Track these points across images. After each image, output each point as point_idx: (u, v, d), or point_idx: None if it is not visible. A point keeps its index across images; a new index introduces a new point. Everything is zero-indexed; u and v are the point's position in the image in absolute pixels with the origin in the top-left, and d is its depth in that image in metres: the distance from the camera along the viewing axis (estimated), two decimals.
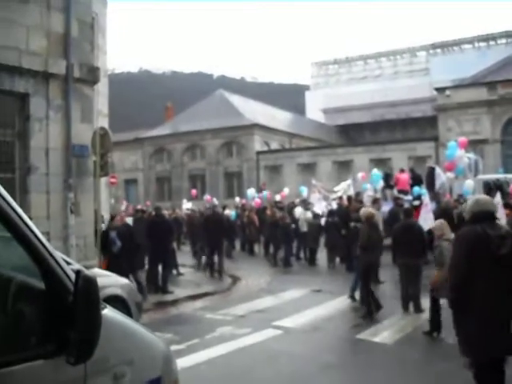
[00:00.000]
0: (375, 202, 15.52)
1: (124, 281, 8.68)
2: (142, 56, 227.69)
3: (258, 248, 23.05)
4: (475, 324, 4.52)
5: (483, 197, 5.18)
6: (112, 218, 11.38)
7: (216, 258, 16.75)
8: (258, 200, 26.92)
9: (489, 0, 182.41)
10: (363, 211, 11.94)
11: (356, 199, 19.02)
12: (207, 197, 33.07)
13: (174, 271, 16.51)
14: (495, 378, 4.59)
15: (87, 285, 2.28)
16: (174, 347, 7.65)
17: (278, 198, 27.49)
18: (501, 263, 4.46)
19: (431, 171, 20.94)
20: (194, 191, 36.91)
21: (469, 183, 18.92)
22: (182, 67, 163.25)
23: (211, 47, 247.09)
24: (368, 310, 10.50)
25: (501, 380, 4.61)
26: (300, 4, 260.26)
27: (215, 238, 16.65)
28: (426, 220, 13.48)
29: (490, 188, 19.29)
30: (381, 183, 23.07)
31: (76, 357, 2.30)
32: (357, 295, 11.66)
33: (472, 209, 4.82)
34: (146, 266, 13.75)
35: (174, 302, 12.53)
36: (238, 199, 31.48)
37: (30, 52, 10.67)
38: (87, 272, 2.32)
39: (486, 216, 4.69)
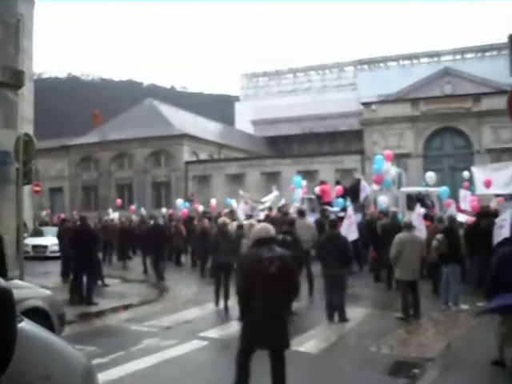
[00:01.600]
0: (301, 213, 15.66)
1: (46, 292, 8.42)
2: (70, 61, 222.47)
3: (185, 258, 22.90)
4: (252, 325, 5.89)
5: (263, 225, 6.42)
6: None
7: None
8: (185, 210, 26.74)
9: (412, 21, 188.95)
10: (219, 220, 14.14)
11: (281, 211, 19.17)
12: (131, 207, 32.69)
13: (100, 282, 16.16)
14: (247, 357, 6.00)
15: (1, 297, 2.18)
16: (97, 360, 7.50)
17: (201, 208, 27.51)
18: (270, 280, 5.70)
19: (357, 183, 21.40)
20: (119, 201, 36.31)
21: (383, 199, 19.45)
22: (112, 74, 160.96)
23: (142, 55, 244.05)
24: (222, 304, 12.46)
25: (250, 359, 6.01)
26: (230, 15, 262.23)
27: (158, 247, 18.09)
28: (349, 232, 13.76)
29: (412, 200, 19.88)
30: (303, 189, 23.52)
31: None
32: None
33: (255, 236, 6.12)
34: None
35: (99, 314, 12.23)
36: (164, 210, 31.22)
37: None
38: (2, 283, 2.23)
39: (264, 241, 5.94)
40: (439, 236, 12.14)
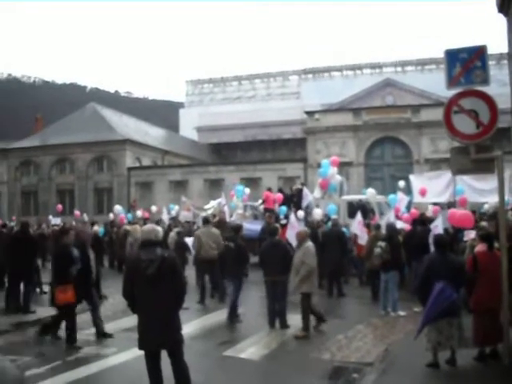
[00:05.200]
0: (205, 221, 15.91)
1: None
2: (10, 62, 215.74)
3: None
4: (139, 326, 6.21)
5: (147, 227, 6.68)
6: None
7: None
8: (122, 216, 26.26)
9: (356, 33, 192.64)
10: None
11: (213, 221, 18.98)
12: (76, 212, 32.10)
13: (38, 289, 15.74)
14: (151, 362, 6.17)
15: None
16: (33, 371, 7.36)
17: (140, 214, 27.35)
18: (149, 280, 5.95)
19: (299, 191, 21.60)
20: (59, 206, 35.48)
21: (316, 211, 19.64)
22: (54, 77, 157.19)
23: (86, 58, 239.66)
24: None
25: (156, 364, 6.20)
26: (177, 20, 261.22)
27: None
28: (292, 237, 14.19)
29: (354, 208, 20.11)
30: (244, 197, 23.59)
31: None
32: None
33: (141, 237, 6.49)
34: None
35: (36, 322, 11.86)
36: (112, 215, 30.74)
37: None
38: None
39: (145, 243, 6.19)
40: (382, 243, 12.32)
